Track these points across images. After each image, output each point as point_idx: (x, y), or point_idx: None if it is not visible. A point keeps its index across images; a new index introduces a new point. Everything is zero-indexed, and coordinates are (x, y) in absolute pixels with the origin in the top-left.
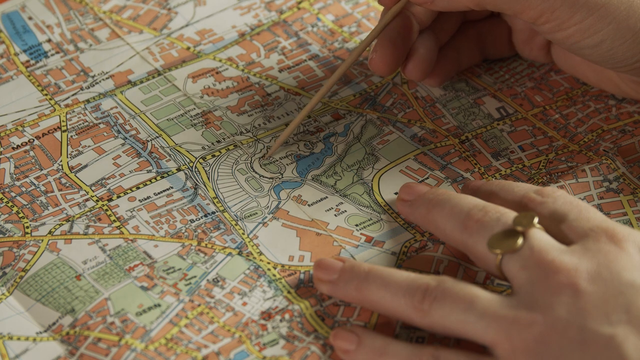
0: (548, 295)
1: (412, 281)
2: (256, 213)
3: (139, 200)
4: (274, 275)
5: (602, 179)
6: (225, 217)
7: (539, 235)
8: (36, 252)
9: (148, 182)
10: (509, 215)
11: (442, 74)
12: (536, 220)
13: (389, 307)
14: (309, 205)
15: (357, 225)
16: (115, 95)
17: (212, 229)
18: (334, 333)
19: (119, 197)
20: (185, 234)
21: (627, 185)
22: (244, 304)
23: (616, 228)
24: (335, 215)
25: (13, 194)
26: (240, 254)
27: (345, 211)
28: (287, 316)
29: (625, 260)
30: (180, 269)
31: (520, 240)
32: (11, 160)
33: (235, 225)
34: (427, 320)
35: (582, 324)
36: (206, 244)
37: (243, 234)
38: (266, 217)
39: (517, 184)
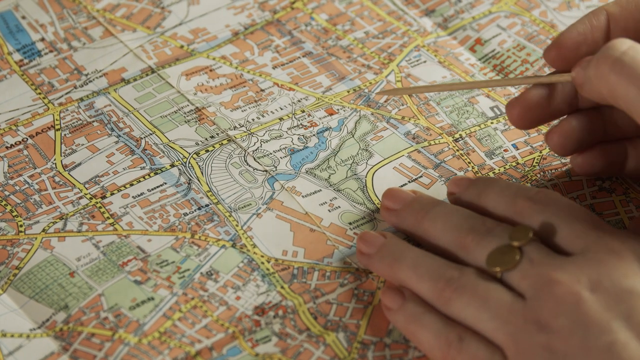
0: (551, 305)
1: (439, 267)
2: (250, 204)
3: (133, 196)
4: (268, 269)
5: (595, 177)
6: (219, 209)
7: (537, 249)
8: (30, 249)
9: (142, 179)
10: (505, 230)
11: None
12: (531, 234)
13: (414, 288)
14: (303, 196)
15: (350, 223)
16: (109, 93)
17: (205, 221)
18: (384, 289)
19: (112, 194)
20: (179, 227)
21: (620, 185)
22: (238, 298)
23: (613, 236)
24: (329, 210)
25: (7, 193)
26: (234, 246)
27: (339, 207)
28: (280, 312)
29: (624, 267)
30: (173, 262)
31: (517, 256)
32: (5, 159)
33: (229, 217)
34: (448, 309)
35: (584, 332)
36: (200, 237)
37: (237, 225)
38: (260, 207)
39: (506, 186)
